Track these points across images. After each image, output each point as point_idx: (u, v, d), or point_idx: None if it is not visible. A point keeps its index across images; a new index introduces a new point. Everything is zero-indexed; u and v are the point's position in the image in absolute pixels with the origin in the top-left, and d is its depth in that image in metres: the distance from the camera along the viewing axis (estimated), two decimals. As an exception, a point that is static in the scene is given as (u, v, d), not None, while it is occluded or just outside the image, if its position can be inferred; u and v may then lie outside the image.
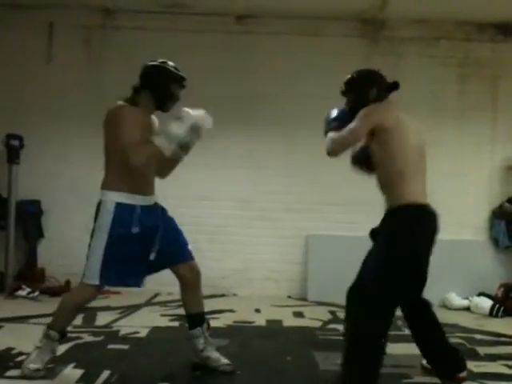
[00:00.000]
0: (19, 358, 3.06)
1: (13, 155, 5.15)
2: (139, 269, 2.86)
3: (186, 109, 2.74)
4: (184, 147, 2.90)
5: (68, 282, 5.07)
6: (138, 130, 2.73)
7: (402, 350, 3.55)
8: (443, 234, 4.57)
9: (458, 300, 5.03)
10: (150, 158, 2.74)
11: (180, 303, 4.60)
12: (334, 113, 2.97)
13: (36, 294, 4.90)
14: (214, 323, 4.07)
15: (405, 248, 2.64)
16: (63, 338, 2.90)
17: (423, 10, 5.12)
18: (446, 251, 5.08)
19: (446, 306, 5.05)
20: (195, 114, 2.75)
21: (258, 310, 4.65)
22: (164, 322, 4.10)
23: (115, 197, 2.77)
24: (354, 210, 5.28)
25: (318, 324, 4.24)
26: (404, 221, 2.67)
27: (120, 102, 2.85)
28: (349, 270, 4.89)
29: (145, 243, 2.81)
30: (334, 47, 5.38)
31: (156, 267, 2.92)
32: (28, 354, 2.85)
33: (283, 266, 5.37)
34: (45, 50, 5.42)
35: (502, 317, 4.72)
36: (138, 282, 2.91)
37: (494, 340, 3.92)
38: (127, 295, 4.96)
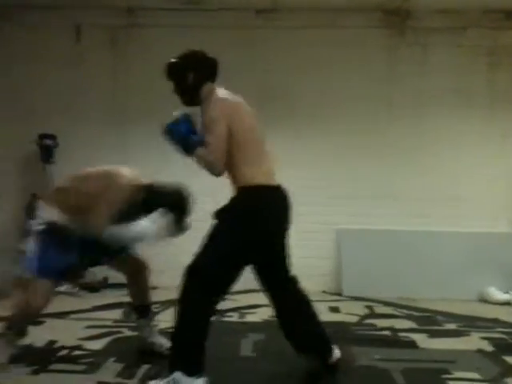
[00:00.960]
0: (61, 353, 3.14)
1: (47, 155, 5.23)
2: None
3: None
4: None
5: (106, 278, 5.15)
6: None
7: (440, 344, 3.50)
8: (477, 227, 4.52)
9: (497, 294, 4.92)
10: None
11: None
12: (181, 126, 2.68)
13: (75, 289, 5.01)
14: (251, 318, 4.15)
15: (248, 225, 2.62)
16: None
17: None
18: (482, 244, 5.05)
19: (485, 300, 4.93)
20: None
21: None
22: (200, 317, 4.13)
23: None
24: (383, 204, 5.24)
25: (354, 319, 4.20)
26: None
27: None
28: (381, 264, 4.93)
29: None
30: (357, 39, 5.31)
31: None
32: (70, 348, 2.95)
33: (315, 261, 5.32)
34: (73, 51, 5.50)
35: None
36: None
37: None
38: (162, 291, 5.02)
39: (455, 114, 5.29)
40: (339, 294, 5.16)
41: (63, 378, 2.79)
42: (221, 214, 2.66)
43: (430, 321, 4.16)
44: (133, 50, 5.45)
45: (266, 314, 4.24)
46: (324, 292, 5.30)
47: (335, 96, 5.36)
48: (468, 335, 3.77)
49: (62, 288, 4.95)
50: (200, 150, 2.61)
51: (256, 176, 2.66)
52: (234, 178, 2.71)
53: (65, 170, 5.25)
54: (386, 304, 4.71)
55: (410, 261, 5.05)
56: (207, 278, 2.55)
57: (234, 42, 5.36)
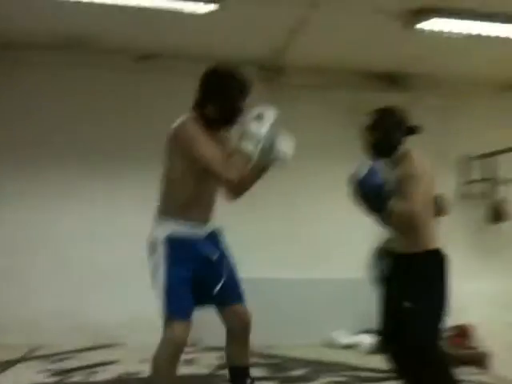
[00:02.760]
0: None
1: None
2: None
3: (260, 107, 2.56)
4: (266, 157, 2.66)
5: None
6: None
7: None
8: (331, 273, 4.71)
9: (343, 338, 5.13)
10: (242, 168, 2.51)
11: (60, 357, 4.37)
12: (374, 177, 2.81)
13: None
14: (98, 376, 3.86)
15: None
16: None
17: (318, 59, 5.35)
18: (332, 290, 5.26)
19: (331, 344, 5.12)
20: (270, 110, 2.56)
21: (145, 361, 4.39)
22: (40, 379, 3.78)
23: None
24: (241, 252, 5.21)
25: (208, 371, 4.14)
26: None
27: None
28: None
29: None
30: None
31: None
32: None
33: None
34: None
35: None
36: None
37: (377, 376, 4.02)
38: (1, 349, 4.48)
39: (318, 166, 5.52)
40: (194, 346, 5.00)
41: None
42: None
43: (280, 368, 4.21)
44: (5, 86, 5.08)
45: (114, 372, 4.00)
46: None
47: None
48: (314, 380, 3.88)
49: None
50: (395, 202, 2.66)
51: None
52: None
53: None
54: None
55: (266, 308, 5.08)
56: None
57: (111, 84, 5.22)
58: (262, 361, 4.40)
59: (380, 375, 4.03)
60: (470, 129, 5.83)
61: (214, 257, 2.68)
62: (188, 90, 5.28)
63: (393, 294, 2.84)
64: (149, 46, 5.15)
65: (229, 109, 2.66)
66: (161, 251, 2.59)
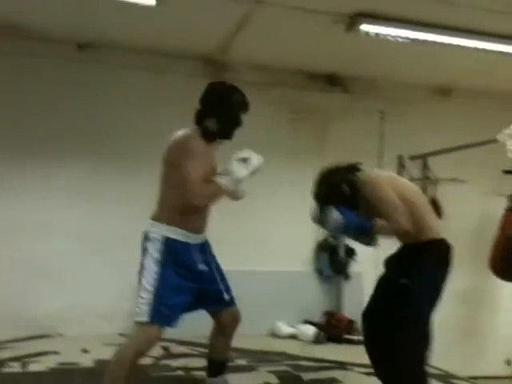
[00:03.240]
0: None
1: None
2: None
3: (249, 151, 2.78)
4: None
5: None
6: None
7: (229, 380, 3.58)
8: (273, 266, 4.85)
9: (285, 328, 5.26)
10: (211, 198, 2.72)
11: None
12: (348, 216, 2.98)
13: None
14: (34, 367, 3.79)
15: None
16: None
17: (261, 56, 5.41)
18: (274, 282, 5.38)
19: (274, 334, 5.24)
20: (257, 157, 2.78)
21: (85, 351, 4.36)
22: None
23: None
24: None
25: (149, 361, 4.09)
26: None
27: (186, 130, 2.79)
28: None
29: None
30: (178, 85, 5.39)
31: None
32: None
33: (115, 302, 5.13)
34: None
35: (324, 343, 5.03)
36: None
37: (317, 366, 4.16)
38: None
39: (265, 161, 5.58)
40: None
41: None
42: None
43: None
44: None
45: (52, 361, 3.93)
46: (121, 335, 5.09)
47: (160, 138, 5.29)
48: (256, 370, 3.95)
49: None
50: (379, 224, 2.90)
51: None
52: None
53: None
54: (182, 343, 4.69)
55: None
56: None
57: (53, 73, 5.11)
58: (206, 351, 4.44)
59: (321, 364, 4.18)
60: (406, 131, 6.05)
61: (208, 264, 2.87)
62: (132, 81, 5.37)
63: (391, 275, 3.12)
64: (92, 36, 5.03)
65: (228, 122, 2.86)
66: (157, 253, 2.69)
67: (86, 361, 4.03)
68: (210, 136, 2.81)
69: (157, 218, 2.78)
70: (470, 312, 6.23)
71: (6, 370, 3.71)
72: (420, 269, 2.97)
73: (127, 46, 5.21)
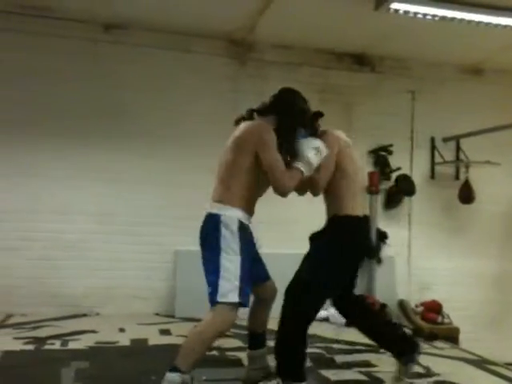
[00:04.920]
0: None
1: None
2: None
3: (318, 141, 2.91)
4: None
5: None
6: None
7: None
8: (299, 248, 4.85)
9: (321, 311, 5.25)
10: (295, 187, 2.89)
11: (35, 325, 4.42)
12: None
13: None
14: (74, 345, 3.91)
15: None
16: None
17: (288, 36, 5.39)
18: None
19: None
20: (324, 147, 2.90)
21: (122, 330, 4.47)
22: (17, 346, 3.78)
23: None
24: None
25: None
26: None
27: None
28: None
29: None
30: (202, 65, 5.44)
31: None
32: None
33: (150, 283, 5.25)
34: None
35: (357, 326, 5.05)
36: None
37: (349, 349, 4.15)
38: (-25, 318, 4.56)
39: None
40: (172, 316, 5.12)
41: None
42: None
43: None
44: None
45: (90, 340, 4.06)
46: (157, 314, 5.22)
47: (179, 117, 5.36)
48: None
49: None
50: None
51: None
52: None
53: None
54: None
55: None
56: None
57: (77, 53, 5.16)
58: (238, 331, 4.50)
59: (353, 347, 4.17)
60: (437, 112, 5.99)
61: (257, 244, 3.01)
62: (156, 60, 5.39)
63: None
64: (114, 16, 5.06)
65: (295, 123, 2.97)
66: (235, 235, 2.74)
67: (123, 339, 4.14)
68: (285, 133, 2.91)
69: (227, 201, 2.80)
70: (503, 296, 6.15)
71: (47, 347, 3.83)
72: (328, 241, 3.03)
73: (152, 26, 5.23)
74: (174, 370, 2.54)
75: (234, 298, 2.65)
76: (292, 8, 4.68)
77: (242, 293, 2.68)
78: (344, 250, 2.97)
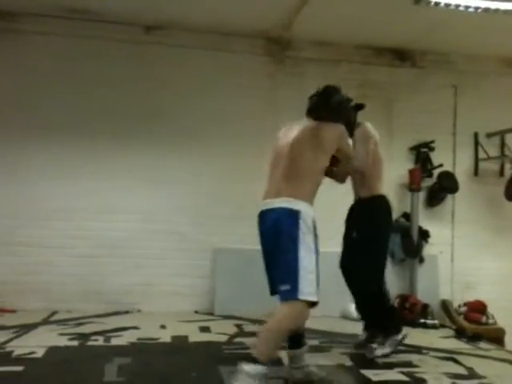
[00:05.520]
0: None
1: None
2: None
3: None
4: None
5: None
6: None
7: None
8: (339, 247, 4.86)
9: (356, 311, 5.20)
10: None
11: (79, 321, 4.54)
12: None
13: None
14: (116, 341, 3.99)
15: None
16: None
17: (325, 32, 5.35)
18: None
19: (345, 316, 5.21)
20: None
21: (163, 327, 4.54)
22: (63, 342, 3.89)
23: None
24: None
25: (224, 338, 4.22)
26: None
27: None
28: (255, 283, 4.97)
29: None
30: (240, 64, 5.46)
31: None
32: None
33: (190, 281, 5.30)
34: None
35: (398, 326, 4.97)
36: None
37: (391, 349, 4.11)
38: (22, 313, 4.69)
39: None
40: (211, 314, 5.17)
41: None
42: None
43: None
44: (4, 55, 5.10)
45: (132, 336, 4.13)
46: (196, 312, 5.27)
47: (220, 117, 5.40)
48: (329, 351, 3.94)
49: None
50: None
51: None
52: None
53: None
54: (254, 322, 4.78)
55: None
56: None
57: (119, 55, 5.27)
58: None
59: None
60: (481, 106, 5.82)
61: None
62: (194, 60, 5.44)
63: None
64: (156, 17, 5.13)
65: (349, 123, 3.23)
66: (311, 232, 2.81)
67: (164, 336, 4.20)
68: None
69: (301, 196, 2.84)
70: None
71: (90, 343, 3.92)
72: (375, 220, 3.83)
73: (192, 27, 5.28)
74: (253, 361, 2.62)
75: (313, 297, 2.74)
76: (330, 4, 4.64)
77: (318, 293, 2.77)
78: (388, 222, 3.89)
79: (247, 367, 2.59)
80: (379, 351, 3.74)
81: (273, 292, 2.95)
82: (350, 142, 3.24)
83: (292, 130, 3.08)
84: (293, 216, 2.77)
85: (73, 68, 5.18)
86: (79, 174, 5.18)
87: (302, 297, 2.69)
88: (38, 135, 5.12)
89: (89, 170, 5.20)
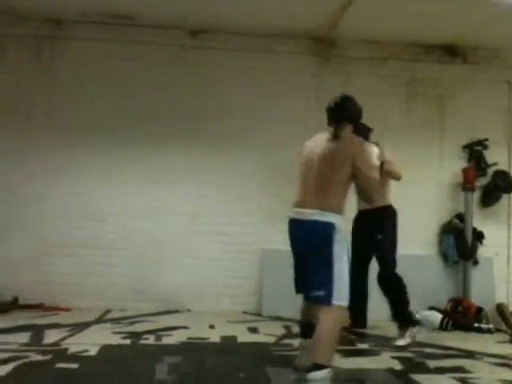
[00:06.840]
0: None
1: None
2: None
3: None
4: None
5: (16, 299, 4.93)
6: None
7: (352, 364, 3.58)
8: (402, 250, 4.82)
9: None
10: None
11: (132, 320, 4.66)
12: None
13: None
14: (167, 340, 4.07)
15: None
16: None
17: (372, 30, 5.28)
18: (403, 266, 5.19)
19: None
20: None
21: (212, 326, 4.60)
22: (116, 340, 4.00)
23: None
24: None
25: (272, 339, 4.23)
26: None
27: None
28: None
29: None
30: (286, 64, 5.46)
31: None
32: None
33: (238, 281, 5.35)
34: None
35: (450, 330, 4.84)
36: None
37: (442, 353, 3.99)
38: (77, 312, 4.87)
39: (375, 139, 5.43)
40: (259, 315, 5.20)
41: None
42: None
43: (343, 340, 4.25)
44: (59, 62, 5.30)
45: (183, 335, 4.21)
46: (245, 313, 5.31)
47: (267, 118, 5.43)
48: (379, 355, 3.89)
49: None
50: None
51: None
52: None
53: None
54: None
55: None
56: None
57: (164, 60, 5.39)
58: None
59: (446, 352, 4.02)
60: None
61: None
62: (239, 62, 5.47)
63: None
64: (200, 21, 5.20)
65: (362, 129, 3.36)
66: (343, 243, 3.01)
67: (213, 336, 4.25)
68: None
69: (336, 209, 3.01)
70: None
71: (142, 341, 4.01)
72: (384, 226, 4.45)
73: (236, 30, 5.32)
74: (319, 367, 2.84)
75: (345, 301, 2.98)
76: (376, 2, 4.58)
77: (347, 295, 3.00)
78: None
79: (319, 374, 2.83)
80: (401, 341, 4.14)
81: (298, 291, 3.23)
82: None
83: (319, 141, 3.16)
84: (328, 229, 2.96)
85: (117, 72, 5.32)
86: (126, 176, 5.33)
87: (336, 302, 2.93)
88: (85, 138, 5.28)
89: (135, 171, 5.34)
